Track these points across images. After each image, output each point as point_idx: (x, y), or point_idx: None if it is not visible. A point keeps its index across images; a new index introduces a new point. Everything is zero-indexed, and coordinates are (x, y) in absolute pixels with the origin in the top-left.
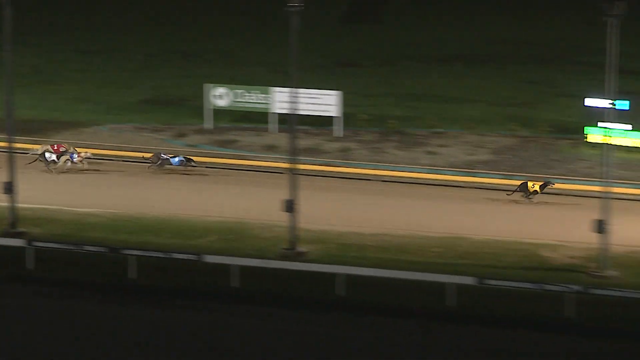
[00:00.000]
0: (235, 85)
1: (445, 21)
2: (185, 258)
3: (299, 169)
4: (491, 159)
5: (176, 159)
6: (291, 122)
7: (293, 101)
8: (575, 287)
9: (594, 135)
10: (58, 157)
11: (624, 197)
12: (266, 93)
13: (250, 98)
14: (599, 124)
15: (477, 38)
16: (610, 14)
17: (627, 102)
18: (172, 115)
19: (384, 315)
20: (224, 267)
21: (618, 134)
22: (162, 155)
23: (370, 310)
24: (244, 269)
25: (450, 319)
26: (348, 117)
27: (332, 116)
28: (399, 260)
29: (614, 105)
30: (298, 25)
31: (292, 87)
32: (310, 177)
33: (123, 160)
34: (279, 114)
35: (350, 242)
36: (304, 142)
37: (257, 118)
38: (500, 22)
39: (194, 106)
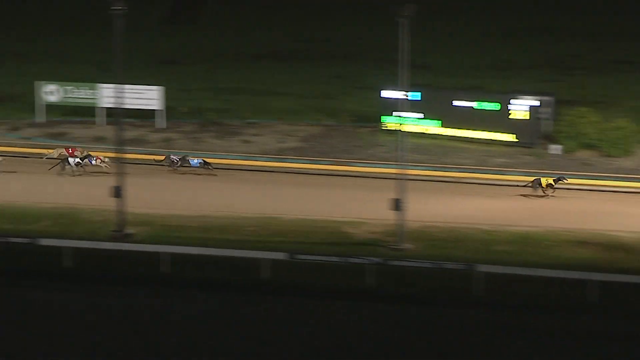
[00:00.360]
0: (65, 83)
1: (257, 22)
2: (21, 242)
3: (126, 158)
4: (300, 146)
5: (195, 161)
6: (117, 115)
7: (118, 96)
8: (376, 259)
9: (390, 123)
10: (82, 160)
11: (417, 178)
12: (94, 89)
13: (79, 94)
14: (394, 113)
15: (286, 37)
16: (400, 15)
17: (419, 94)
18: (6, 112)
19: (205, 289)
20: (57, 249)
21: (411, 122)
22: (172, 157)
23: (192, 284)
24: (77, 251)
25: (265, 291)
26: (169, 110)
27: (154, 109)
28: (219, 239)
29: (408, 96)
30: (122, 26)
31: (117, 84)
32: (136, 165)
33: None
34: (106, 108)
35: (175, 224)
36: (129, 133)
37: (86, 112)
38: (307, 23)
39: (27, 102)
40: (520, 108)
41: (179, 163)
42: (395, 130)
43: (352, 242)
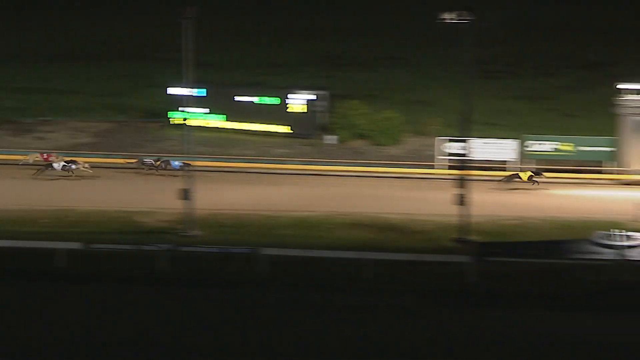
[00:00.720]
0: None
1: (50, 23)
2: None
3: None
4: (93, 141)
5: (176, 163)
6: None
7: None
8: (166, 246)
9: (175, 118)
10: (66, 164)
11: (204, 169)
12: None
13: None
14: (180, 108)
15: (76, 38)
16: (184, 17)
17: (204, 90)
18: None
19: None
20: None
21: (197, 117)
22: (145, 159)
23: None
24: None
25: (60, 278)
26: None
27: None
28: (14, 232)
29: (193, 92)
30: None
31: None
32: None
33: None
34: None
35: None
36: None
37: None
38: (98, 24)
39: None
40: (297, 102)
41: (160, 166)
42: (182, 124)
43: (144, 230)
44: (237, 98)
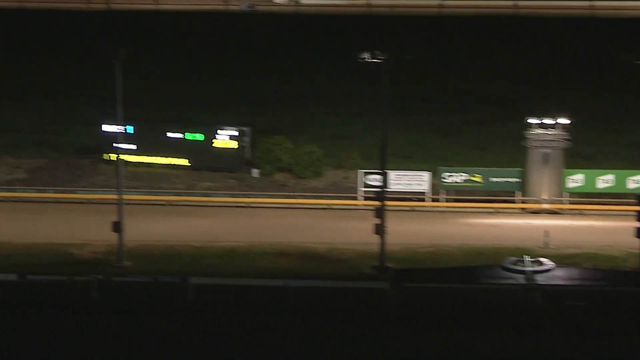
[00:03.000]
0: None
1: None
2: None
3: None
4: (27, 177)
5: None
6: None
7: None
8: (99, 277)
9: (110, 155)
10: None
11: (135, 202)
12: None
13: None
14: (114, 145)
15: (4, 76)
16: (115, 58)
17: (132, 127)
18: None
19: None
20: None
21: (128, 153)
22: None
23: None
24: None
25: None
26: None
27: None
28: None
29: (125, 129)
30: None
31: None
32: None
33: None
34: None
35: None
36: None
37: None
38: (30, 63)
39: None
40: (223, 137)
41: None
42: (114, 160)
43: (78, 261)
44: (166, 134)
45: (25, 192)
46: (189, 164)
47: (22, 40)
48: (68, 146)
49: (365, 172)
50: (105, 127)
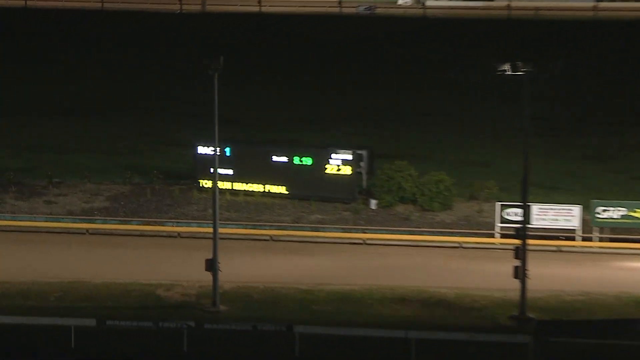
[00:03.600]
0: None
1: (60, 76)
2: None
3: None
4: (108, 205)
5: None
6: None
7: None
8: (190, 323)
9: (204, 180)
10: None
11: (231, 236)
12: None
13: None
14: (210, 169)
15: (85, 92)
16: (211, 68)
17: (228, 149)
18: None
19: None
20: None
21: (226, 179)
22: None
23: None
24: None
25: None
26: None
27: None
28: (22, 306)
29: (218, 152)
30: None
31: None
32: None
33: None
34: None
35: None
36: None
37: None
38: (103, 77)
39: None
40: (336, 162)
41: None
42: (209, 187)
43: (165, 305)
44: (270, 158)
45: (106, 223)
46: (295, 193)
47: (101, 44)
48: (156, 170)
49: (503, 205)
50: (200, 149)
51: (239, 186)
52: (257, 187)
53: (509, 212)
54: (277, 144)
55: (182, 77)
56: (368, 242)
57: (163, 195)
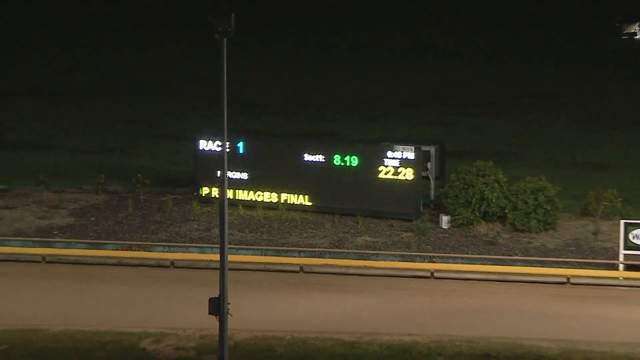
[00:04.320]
0: None
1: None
2: None
3: None
4: (73, 222)
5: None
6: None
7: None
8: None
9: (207, 188)
10: None
11: (244, 265)
12: None
13: None
14: (217, 172)
15: (40, 66)
16: (218, 31)
17: (244, 144)
18: None
19: None
20: None
21: (235, 186)
22: None
23: None
24: None
25: None
26: None
27: None
28: None
29: (228, 147)
30: None
31: None
32: None
33: None
34: None
35: None
36: None
37: None
38: (64, 45)
39: None
40: (393, 163)
41: None
42: (215, 197)
43: None
44: (301, 157)
45: (70, 247)
46: (335, 206)
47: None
48: (140, 174)
49: (629, 224)
50: (202, 145)
51: (256, 196)
52: (281, 198)
53: (638, 234)
54: (310, 138)
55: (179, 45)
56: (437, 275)
57: (150, 209)
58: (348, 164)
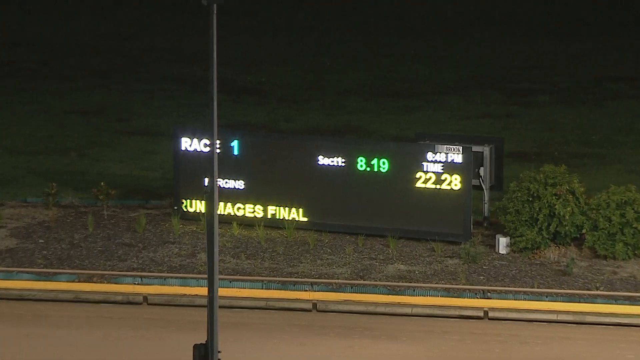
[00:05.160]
0: None
1: None
2: None
3: None
4: (15, 246)
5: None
6: None
7: None
8: None
9: (192, 199)
10: None
11: (243, 303)
12: None
13: None
14: (205, 181)
15: None
16: None
17: (239, 143)
18: None
19: None
20: None
21: (228, 197)
22: None
23: None
24: None
25: None
26: None
27: None
28: None
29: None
30: None
31: None
32: None
33: None
34: None
35: None
36: None
37: None
38: (9, 19)
39: None
40: (435, 169)
41: None
42: (201, 213)
43: None
44: (313, 160)
45: (10, 278)
46: (358, 224)
47: None
48: (104, 182)
49: None
50: (185, 143)
51: (255, 211)
52: (288, 213)
53: None
54: (326, 136)
55: (156, 13)
56: (493, 315)
57: (117, 228)
58: (376, 170)
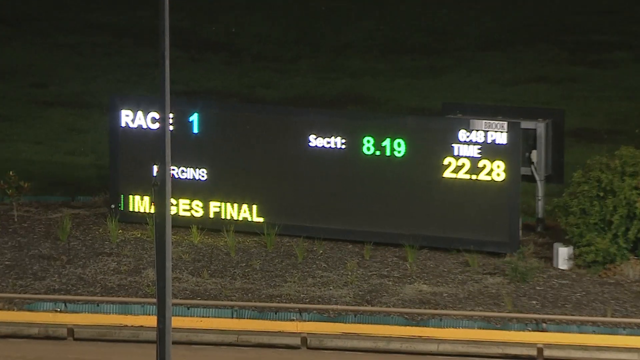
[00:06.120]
0: None
1: None
2: None
3: None
4: None
5: None
6: None
7: None
8: None
9: (135, 194)
10: None
11: (207, 339)
12: None
13: None
14: (154, 171)
15: None
16: None
17: (199, 116)
18: None
19: None
20: None
21: (185, 193)
22: None
23: None
24: None
25: None
26: None
27: None
28: None
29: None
30: None
31: None
32: None
33: None
34: None
35: None
36: None
37: None
38: None
39: None
40: (471, 153)
41: None
42: (148, 213)
43: None
44: (304, 141)
45: None
46: (363, 229)
47: None
48: (13, 172)
49: None
50: (125, 118)
51: (223, 210)
52: (268, 213)
53: None
54: (320, 107)
55: None
56: (550, 355)
57: (32, 234)
58: (388, 154)
